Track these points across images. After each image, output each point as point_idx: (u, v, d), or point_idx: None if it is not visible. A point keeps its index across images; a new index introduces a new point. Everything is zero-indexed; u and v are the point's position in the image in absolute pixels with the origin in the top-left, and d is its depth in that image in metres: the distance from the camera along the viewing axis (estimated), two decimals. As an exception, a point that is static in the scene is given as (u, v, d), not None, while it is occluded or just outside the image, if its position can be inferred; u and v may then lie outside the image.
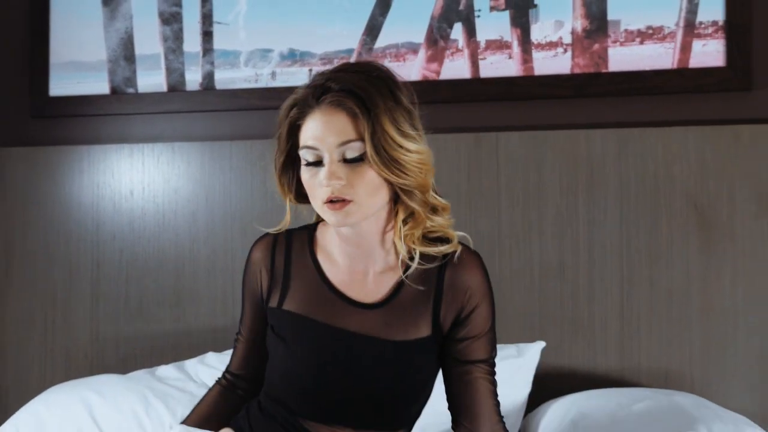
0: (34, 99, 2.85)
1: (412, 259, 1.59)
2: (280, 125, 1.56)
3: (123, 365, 2.67)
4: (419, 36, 2.57)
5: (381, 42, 2.60)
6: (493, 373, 1.64)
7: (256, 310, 1.68)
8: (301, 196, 1.62)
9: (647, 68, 2.43)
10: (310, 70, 2.64)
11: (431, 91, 2.55)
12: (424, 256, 1.60)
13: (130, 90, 2.80)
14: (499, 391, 2.11)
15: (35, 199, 2.78)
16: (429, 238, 1.62)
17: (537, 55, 2.51)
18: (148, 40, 2.79)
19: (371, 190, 1.50)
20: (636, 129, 2.40)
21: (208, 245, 2.65)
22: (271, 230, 1.69)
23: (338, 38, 2.62)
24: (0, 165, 2.79)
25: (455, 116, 2.55)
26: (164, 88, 2.77)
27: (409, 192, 1.54)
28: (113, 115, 2.81)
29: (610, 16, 2.46)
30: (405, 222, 1.59)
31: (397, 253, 1.60)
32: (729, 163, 2.35)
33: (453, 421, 1.63)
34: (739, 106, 2.39)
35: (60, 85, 2.83)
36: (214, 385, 1.78)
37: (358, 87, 1.49)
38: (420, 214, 1.56)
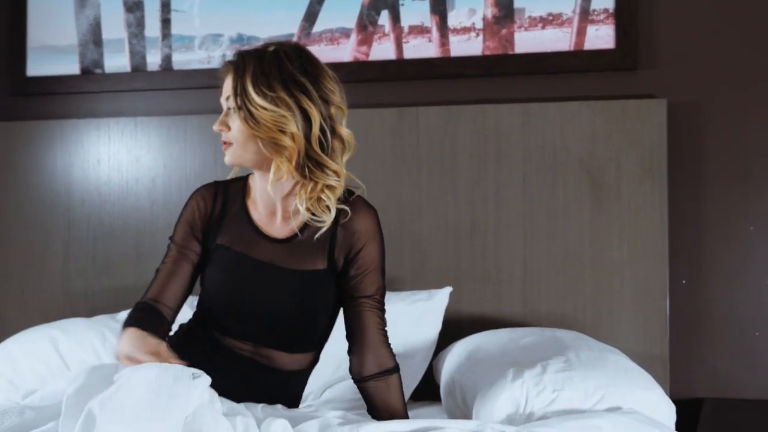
0: (13, 78, 3.15)
1: (313, 215, 1.89)
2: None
3: (91, 315, 2.95)
4: (351, 22, 2.88)
5: (318, 27, 2.91)
6: (381, 308, 1.94)
7: (188, 239, 1.94)
8: None
9: (548, 50, 2.75)
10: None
11: (361, 71, 2.86)
12: (325, 208, 1.90)
13: (98, 71, 3.11)
14: (411, 330, 2.44)
15: (14, 168, 3.08)
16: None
17: (453, 39, 2.81)
18: (114, 26, 3.10)
19: (242, 138, 1.84)
20: (537, 104, 2.72)
21: (165, 208, 2.97)
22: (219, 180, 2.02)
23: (281, 24, 2.93)
24: None
25: (382, 93, 2.86)
26: (128, 68, 3.08)
27: (277, 147, 1.83)
28: (83, 93, 3.11)
29: (516, 4, 2.77)
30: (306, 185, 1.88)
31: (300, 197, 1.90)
32: (617, 134, 2.67)
33: (348, 350, 1.95)
34: (627, 83, 2.71)
35: (36, 67, 3.14)
36: (134, 307, 1.97)
37: (242, 55, 1.87)
38: (302, 180, 1.87)
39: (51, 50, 3.14)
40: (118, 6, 3.11)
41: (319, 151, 1.85)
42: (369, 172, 2.70)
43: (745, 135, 2.67)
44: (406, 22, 2.85)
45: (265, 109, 1.79)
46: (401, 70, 2.84)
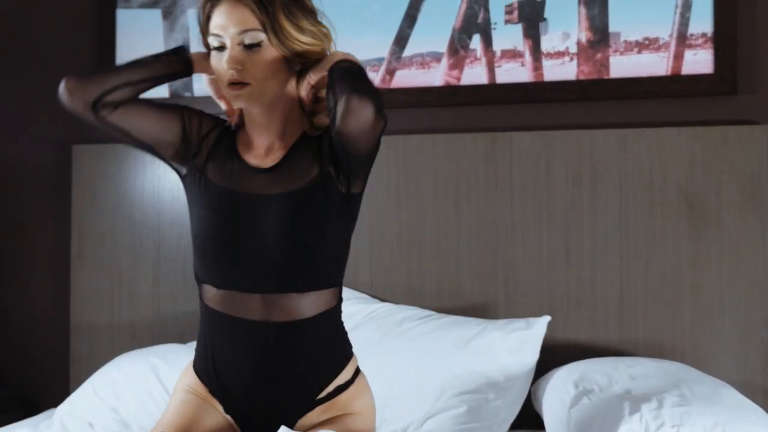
0: None
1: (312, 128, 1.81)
2: (198, 19, 1.79)
3: (181, 338, 2.98)
4: (442, 46, 2.87)
5: (408, 51, 2.90)
6: None
7: (171, 120, 1.82)
8: None
9: (644, 75, 2.72)
10: None
11: (453, 96, 2.85)
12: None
13: (187, 94, 3.12)
14: (509, 359, 2.43)
15: (104, 189, 3.09)
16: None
17: (546, 63, 2.79)
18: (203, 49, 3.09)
19: (267, 73, 1.71)
20: (634, 129, 2.69)
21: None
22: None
23: (371, 48, 2.92)
24: (74, 160, 3.11)
25: (474, 118, 2.84)
26: None
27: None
28: None
29: (612, 28, 2.75)
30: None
31: (296, 131, 1.81)
32: (716, 160, 2.63)
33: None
34: (726, 109, 2.67)
35: None
36: None
37: None
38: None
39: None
40: None
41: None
42: (461, 198, 2.79)
43: None
44: (498, 46, 2.84)
45: (304, 43, 1.73)
46: (494, 95, 2.83)
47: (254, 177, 1.78)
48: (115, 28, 3.18)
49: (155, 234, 3.06)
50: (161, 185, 3.08)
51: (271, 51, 1.72)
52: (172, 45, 3.09)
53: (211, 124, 1.87)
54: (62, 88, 1.75)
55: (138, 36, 3.17)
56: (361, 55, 2.84)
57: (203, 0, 1.78)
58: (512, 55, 2.83)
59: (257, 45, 1.71)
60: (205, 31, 1.80)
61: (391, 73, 2.91)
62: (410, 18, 2.91)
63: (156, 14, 3.15)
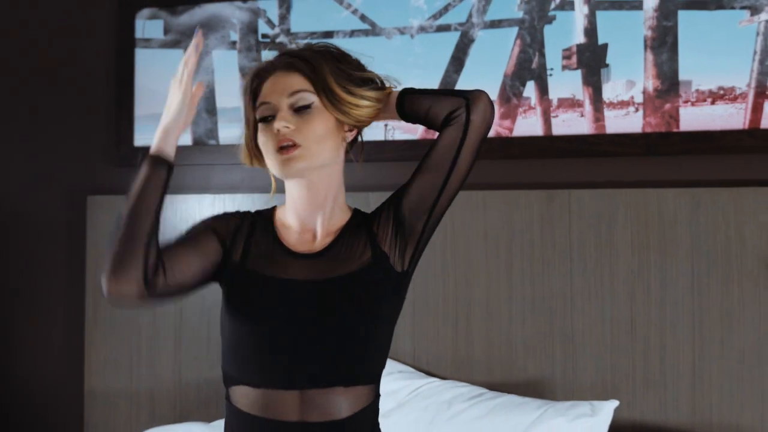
0: (119, 149, 2.98)
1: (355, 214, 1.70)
2: (244, 94, 1.68)
3: (206, 409, 2.79)
4: (492, 93, 2.64)
5: None
6: None
7: (209, 244, 1.67)
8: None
9: (718, 128, 2.47)
10: (386, 125, 2.73)
11: (504, 148, 2.64)
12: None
13: (212, 141, 2.91)
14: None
15: None
16: None
17: (608, 114, 2.57)
18: (230, 93, 2.90)
19: (320, 135, 1.61)
20: (707, 189, 2.45)
21: (287, 295, 2.75)
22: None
23: None
24: (88, 212, 2.94)
25: (528, 172, 2.63)
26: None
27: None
28: (195, 165, 2.92)
29: (682, 76, 2.50)
30: None
31: (344, 211, 1.70)
32: (801, 224, 2.38)
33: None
34: (811, 167, 2.43)
35: (144, 136, 2.95)
36: None
37: (304, 54, 1.65)
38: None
39: (160, 118, 2.92)
40: (233, 71, 2.91)
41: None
42: (514, 261, 2.59)
43: None
44: (554, 94, 2.62)
45: (357, 106, 1.63)
46: (550, 147, 2.61)
47: (299, 262, 1.65)
48: (134, 69, 3.02)
49: (177, 295, 2.85)
50: (183, 241, 2.85)
51: (323, 113, 1.64)
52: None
53: (239, 218, 1.73)
54: (109, 293, 1.62)
55: (158, 78, 2.97)
56: (402, 103, 2.69)
57: (250, 76, 1.69)
58: (570, 104, 2.60)
59: (308, 107, 1.63)
60: (250, 107, 1.68)
61: (435, 122, 2.67)
62: (457, 62, 2.70)
63: (177, 55, 2.96)
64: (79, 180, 3.01)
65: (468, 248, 2.63)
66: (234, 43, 2.92)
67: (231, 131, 2.89)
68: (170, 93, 1.65)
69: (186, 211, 2.87)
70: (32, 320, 3.05)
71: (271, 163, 1.63)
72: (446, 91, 1.68)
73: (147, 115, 2.97)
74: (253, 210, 1.73)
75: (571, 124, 2.60)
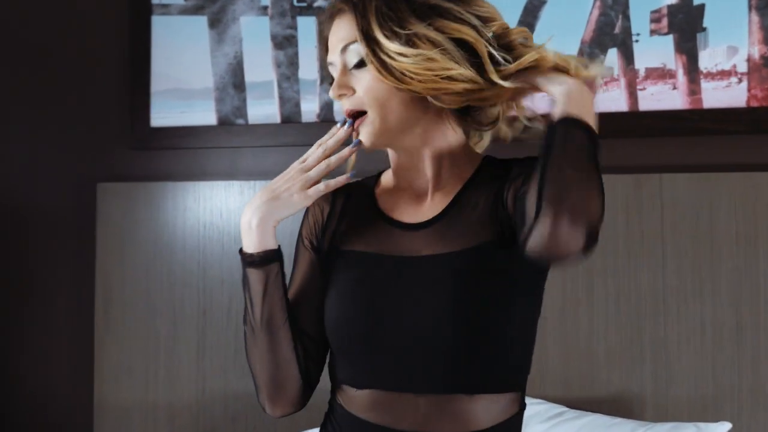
0: (134, 130, 2.73)
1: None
2: (319, 40, 1.47)
3: (232, 425, 2.56)
4: None
5: None
6: None
7: (309, 262, 1.47)
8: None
9: (839, 101, 2.22)
10: None
11: None
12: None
13: (240, 121, 2.67)
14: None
15: (135, 240, 2.68)
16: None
17: (706, 86, 2.36)
18: (260, 66, 2.65)
19: (381, 98, 1.35)
20: (827, 171, 2.21)
21: (328, 295, 2.48)
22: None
23: None
24: (98, 202, 2.70)
25: (611, 154, 2.31)
26: (278, 119, 2.63)
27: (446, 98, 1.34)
28: (221, 149, 2.69)
29: (795, 41, 2.27)
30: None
31: (462, 171, 1.42)
32: None
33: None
34: None
35: (162, 115, 2.71)
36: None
37: None
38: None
39: (180, 95, 2.70)
40: (265, 41, 2.63)
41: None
42: (595, 256, 2.23)
43: None
44: (641, 63, 2.39)
45: (404, 55, 1.32)
46: (637, 125, 2.39)
47: (406, 235, 1.40)
48: (150, 39, 2.74)
49: (200, 295, 2.63)
50: (208, 234, 2.64)
51: None
52: (221, 59, 2.65)
53: (327, 200, 1.49)
54: (275, 416, 1.49)
55: (177, 49, 2.73)
56: (463, 74, 2.44)
57: (318, 27, 1.46)
58: (660, 74, 2.38)
59: (362, 63, 1.37)
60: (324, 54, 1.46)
61: (501, 96, 2.42)
62: (526, 27, 2.41)
63: (200, 22, 2.69)
64: (87, 165, 2.78)
65: (540, 242, 2.37)
66: (265, 8, 2.65)
67: (262, 109, 2.64)
68: (288, 178, 1.42)
69: (211, 200, 2.64)
70: (35, 323, 2.84)
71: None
72: (560, 186, 1.22)
73: (164, 90, 2.72)
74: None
75: (662, 98, 2.39)
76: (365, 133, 1.37)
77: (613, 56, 2.39)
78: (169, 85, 2.71)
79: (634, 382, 2.30)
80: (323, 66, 1.46)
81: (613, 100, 2.39)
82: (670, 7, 2.36)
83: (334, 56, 1.38)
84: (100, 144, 2.78)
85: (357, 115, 1.36)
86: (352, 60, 1.35)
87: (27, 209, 2.85)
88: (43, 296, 2.82)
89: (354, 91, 1.36)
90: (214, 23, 2.68)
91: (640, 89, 2.38)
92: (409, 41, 1.31)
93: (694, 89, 2.35)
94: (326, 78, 1.48)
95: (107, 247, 2.69)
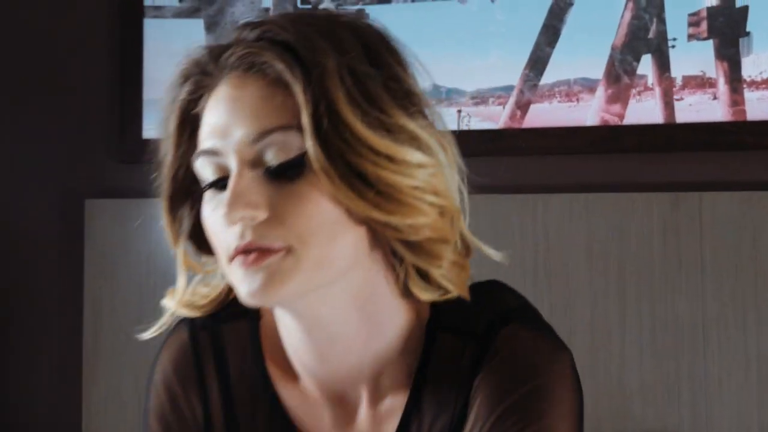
0: (124, 141, 2.66)
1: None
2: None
3: None
4: (597, 71, 2.33)
5: (548, 77, 2.36)
6: None
7: None
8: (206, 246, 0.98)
9: None
10: (459, 111, 2.41)
11: (614, 139, 2.33)
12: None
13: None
14: None
15: (127, 260, 2.61)
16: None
17: (750, 96, 2.24)
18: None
19: (324, 230, 0.86)
20: None
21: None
22: (182, 315, 1.05)
23: (494, 72, 2.39)
24: (86, 219, 2.64)
25: (645, 171, 2.34)
26: None
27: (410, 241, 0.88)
28: None
29: None
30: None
31: (411, 341, 0.96)
32: None
33: None
34: None
35: (154, 126, 2.52)
36: None
37: (290, 33, 0.87)
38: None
39: (175, 104, 2.59)
40: None
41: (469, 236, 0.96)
42: (628, 281, 2.26)
43: None
44: (678, 71, 2.28)
45: (391, 160, 0.84)
46: (673, 139, 2.28)
47: None
48: (142, 43, 2.67)
49: (197, 321, 2.48)
50: (204, 255, 2.47)
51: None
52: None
53: (196, 380, 1.06)
54: None
55: (171, 54, 2.55)
56: (481, 83, 2.35)
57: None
58: (699, 83, 2.27)
59: (298, 165, 0.86)
60: (178, 144, 0.99)
61: (523, 107, 2.38)
62: (551, 31, 2.35)
63: (196, 25, 2.60)
64: (74, 180, 2.72)
65: (567, 266, 2.33)
66: (267, 10, 2.57)
67: (262, 119, 2.50)
68: None
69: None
70: (18, 351, 2.75)
71: (226, 271, 0.92)
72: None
73: (157, 99, 2.57)
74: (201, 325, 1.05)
75: (701, 108, 2.27)
76: (275, 280, 0.86)
77: (647, 63, 2.28)
78: (161, 93, 2.59)
79: (670, 421, 2.20)
80: (171, 162, 0.96)
81: (647, 111, 2.28)
82: (710, 9, 2.24)
83: (226, 143, 0.87)
84: (88, 157, 2.71)
85: (258, 248, 0.86)
86: (276, 159, 0.86)
87: (8, 227, 2.79)
88: (27, 322, 2.76)
89: (268, 213, 0.86)
90: (211, 27, 2.60)
91: (677, 99, 2.28)
92: (393, 135, 0.84)
93: (736, 99, 2.25)
94: (168, 162, 0.99)
95: (96, 268, 2.62)
